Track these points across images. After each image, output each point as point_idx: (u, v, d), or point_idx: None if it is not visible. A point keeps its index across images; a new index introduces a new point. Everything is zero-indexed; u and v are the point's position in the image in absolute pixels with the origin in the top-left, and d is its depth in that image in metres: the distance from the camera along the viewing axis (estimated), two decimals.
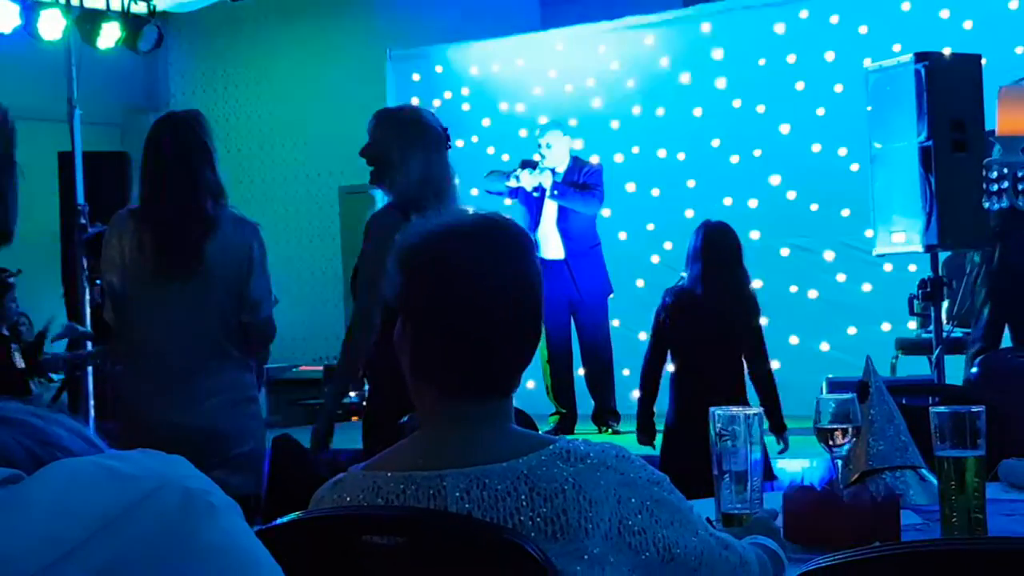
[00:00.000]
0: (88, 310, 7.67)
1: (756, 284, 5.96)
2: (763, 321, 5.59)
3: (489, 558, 1.56)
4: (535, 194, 7.77)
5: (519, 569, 1.53)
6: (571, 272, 7.71)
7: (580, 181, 7.74)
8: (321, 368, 9.88)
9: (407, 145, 3.98)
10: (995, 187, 2.53)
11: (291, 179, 11.79)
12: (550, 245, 7.77)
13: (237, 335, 3.78)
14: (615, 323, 8.29)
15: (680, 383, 5.44)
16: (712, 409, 2.47)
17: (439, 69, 10.23)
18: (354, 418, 8.78)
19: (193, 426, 3.66)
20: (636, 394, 6.99)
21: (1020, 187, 2.52)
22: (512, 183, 7.90)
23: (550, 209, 7.79)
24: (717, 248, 5.40)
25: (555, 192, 7.71)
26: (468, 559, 1.58)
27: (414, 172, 3.94)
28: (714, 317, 5.34)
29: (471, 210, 1.76)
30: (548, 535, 1.56)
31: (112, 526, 0.90)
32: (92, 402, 7.51)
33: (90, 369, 7.36)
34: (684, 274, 5.54)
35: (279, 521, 1.65)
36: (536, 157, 7.94)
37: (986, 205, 2.57)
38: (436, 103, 10.18)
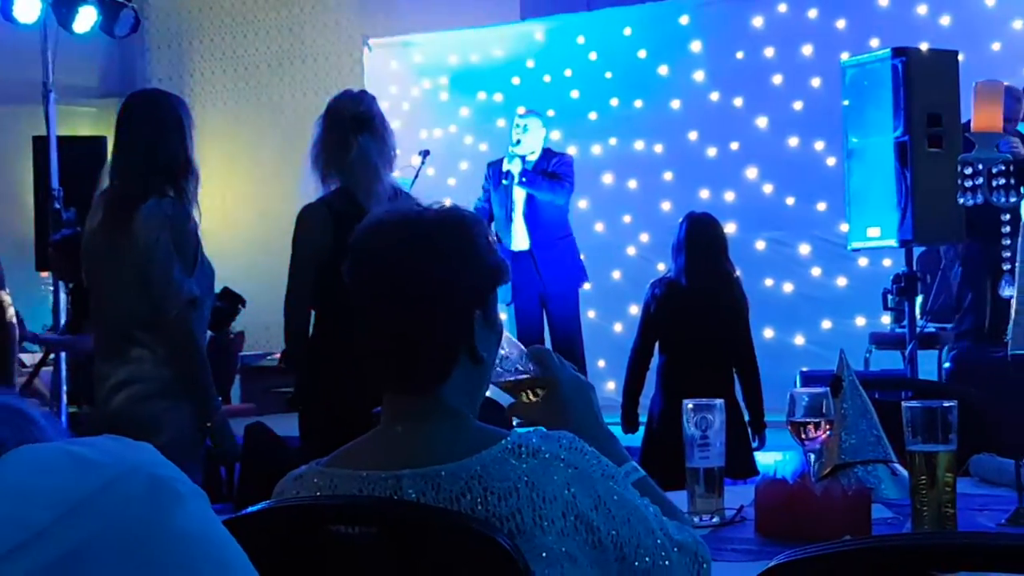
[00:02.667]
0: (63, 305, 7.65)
1: None
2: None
3: (457, 548, 1.56)
4: (504, 181, 7.72)
5: (487, 558, 1.53)
6: (535, 263, 7.68)
7: (549, 171, 7.71)
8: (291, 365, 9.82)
9: (333, 134, 4.13)
10: (970, 183, 2.53)
11: (268, 170, 11.74)
12: (517, 236, 7.75)
13: (153, 326, 3.63)
14: (591, 314, 8.29)
15: (666, 374, 5.45)
16: (687, 401, 2.48)
17: (417, 58, 10.21)
18: None
19: (101, 416, 3.67)
20: (611, 385, 7.00)
21: (994, 183, 2.53)
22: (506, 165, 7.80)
23: (518, 199, 7.75)
24: (701, 239, 5.41)
25: (523, 179, 7.66)
26: (436, 550, 1.57)
27: (345, 159, 4.07)
28: (700, 307, 5.35)
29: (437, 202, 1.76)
30: (504, 533, 1.55)
31: (77, 511, 0.89)
32: (65, 387, 7.47)
33: (63, 355, 7.32)
34: (662, 266, 5.56)
35: (248, 510, 1.64)
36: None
37: (961, 201, 2.58)
38: (414, 92, 10.16)
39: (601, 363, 8.26)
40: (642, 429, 5.60)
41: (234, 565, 0.98)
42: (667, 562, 1.66)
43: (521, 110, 8.10)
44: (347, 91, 4.39)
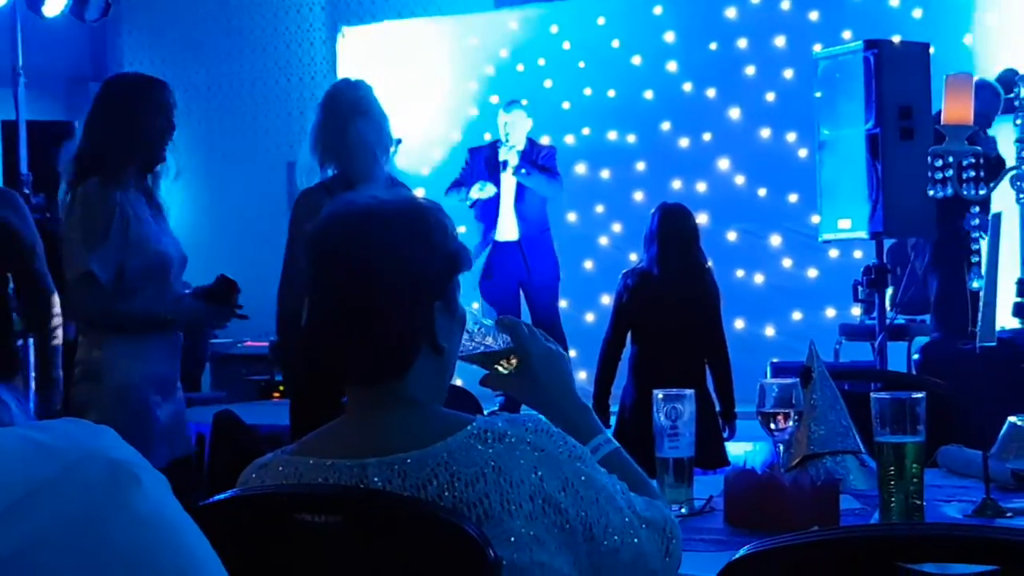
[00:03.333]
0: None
1: None
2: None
3: (424, 537, 1.55)
4: (504, 171, 7.67)
5: (454, 546, 1.52)
6: (524, 254, 7.68)
7: (539, 163, 7.71)
8: (267, 344, 9.80)
9: (321, 119, 4.13)
10: (939, 175, 2.54)
11: (238, 154, 11.69)
12: (505, 226, 7.73)
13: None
14: (563, 304, 8.30)
15: (638, 365, 5.46)
16: (657, 392, 2.48)
17: (391, 46, 10.17)
18: (275, 395, 8.73)
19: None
20: (583, 375, 6.99)
21: (964, 175, 2.54)
22: (475, 194, 7.78)
23: (507, 189, 7.73)
24: (673, 229, 5.41)
25: (523, 171, 7.63)
26: (403, 538, 1.57)
27: (336, 144, 4.06)
28: (672, 297, 5.37)
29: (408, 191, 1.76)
30: (473, 519, 1.55)
31: (35, 497, 0.89)
32: (32, 373, 7.42)
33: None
34: (634, 256, 5.57)
35: (213, 499, 1.64)
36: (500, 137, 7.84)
37: (931, 193, 2.59)
38: (387, 79, 10.12)
39: (573, 352, 8.25)
40: (614, 419, 5.61)
41: (194, 549, 0.97)
42: (636, 539, 1.67)
43: (503, 109, 8.02)
44: (345, 79, 4.46)
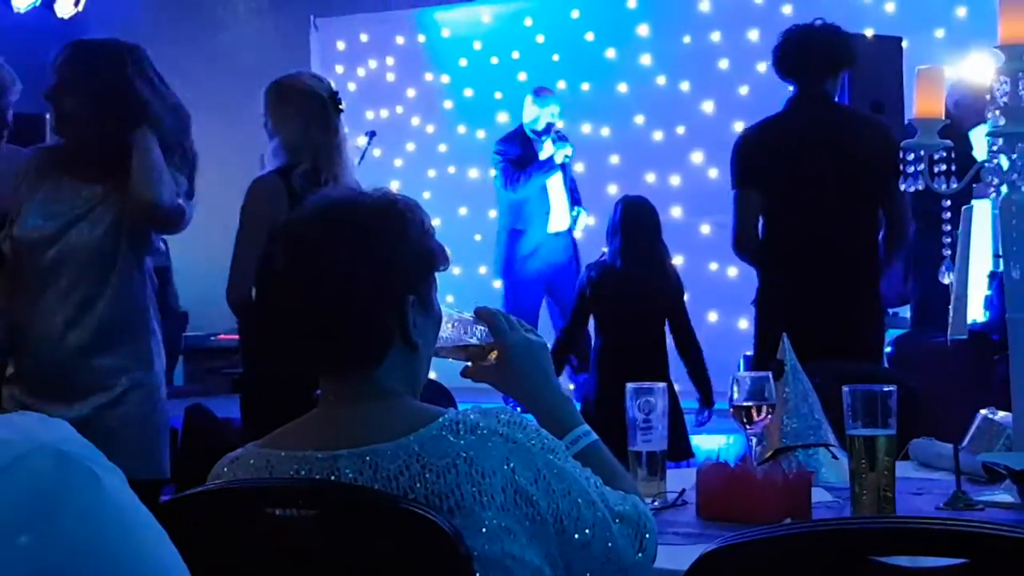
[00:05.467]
0: None
1: (676, 260, 6.02)
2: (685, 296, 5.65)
3: (396, 530, 1.55)
4: (556, 168, 7.57)
5: (426, 540, 1.52)
6: (575, 245, 7.66)
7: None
8: (238, 338, 9.76)
9: (285, 111, 4.05)
10: (911, 169, 2.55)
11: (208, 148, 11.63)
12: (557, 218, 7.65)
13: None
14: None
15: (602, 358, 5.48)
16: (630, 385, 2.48)
17: (364, 38, 10.15)
18: None
19: None
20: None
21: (936, 169, 2.55)
22: (559, 156, 7.58)
23: (557, 181, 7.64)
24: (635, 222, 5.45)
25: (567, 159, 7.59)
26: (375, 532, 1.57)
27: (296, 137, 3.94)
28: (635, 290, 5.39)
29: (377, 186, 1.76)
30: (444, 510, 1.56)
31: None
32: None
33: None
34: (605, 249, 5.58)
35: (184, 493, 1.63)
36: (558, 124, 7.68)
37: (902, 187, 2.60)
38: (360, 72, 10.10)
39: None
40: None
41: (151, 543, 0.97)
42: (608, 533, 1.67)
43: (540, 100, 7.75)
44: (304, 71, 4.35)
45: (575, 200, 7.78)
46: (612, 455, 1.88)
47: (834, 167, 4.28)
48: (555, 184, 7.65)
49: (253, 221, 3.90)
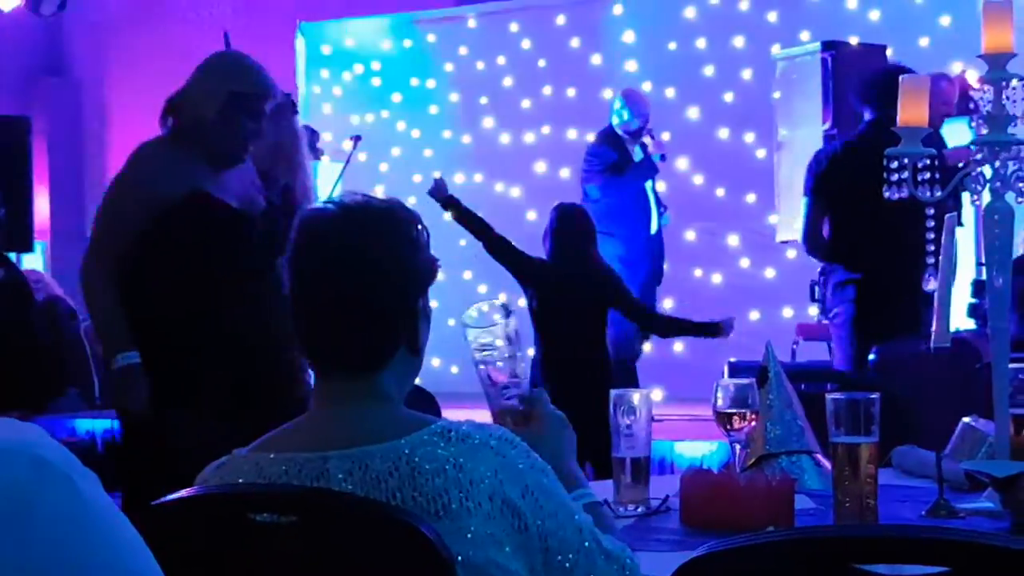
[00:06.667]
0: None
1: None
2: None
3: (379, 537, 1.55)
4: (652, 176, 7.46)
5: (410, 547, 1.52)
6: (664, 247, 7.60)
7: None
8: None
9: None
10: (895, 177, 2.55)
11: None
12: (654, 217, 7.56)
13: None
14: (520, 303, 8.29)
15: (544, 362, 5.57)
16: (614, 392, 2.48)
17: (350, 42, 10.14)
18: None
19: None
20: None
21: (920, 177, 2.55)
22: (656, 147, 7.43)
23: (649, 185, 7.53)
24: (568, 226, 5.62)
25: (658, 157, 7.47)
26: (358, 538, 1.56)
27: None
28: (568, 292, 5.50)
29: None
30: (431, 514, 1.56)
31: None
32: None
33: None
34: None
35: (168, 498, 1.62)
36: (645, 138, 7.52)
37: (886, 195, 2.60)
38: (346, 76, 10.10)
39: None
40: None
41: (126, 547, 0.96)
42: (592, 564, 1.66)
43: (630, 100, 7.64)
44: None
45: (659, 202, 7.64)
46: (610, 516, 1.91)
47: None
48: (649, 189, 7.51)
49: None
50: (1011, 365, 2.57)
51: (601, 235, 7.44)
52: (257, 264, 3.55)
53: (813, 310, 7.59)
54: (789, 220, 6.61)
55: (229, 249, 3.60)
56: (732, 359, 7.06)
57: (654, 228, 7.49)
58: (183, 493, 1.63)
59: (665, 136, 8.91)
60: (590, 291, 5.58)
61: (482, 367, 1.94)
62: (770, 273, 8.72)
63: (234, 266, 3.59)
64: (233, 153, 3.63)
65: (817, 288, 6.92)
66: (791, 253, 8.38)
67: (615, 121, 7.53)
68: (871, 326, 4.97)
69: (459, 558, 1.55)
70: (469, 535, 1.57)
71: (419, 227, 1.77)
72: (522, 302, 5.65)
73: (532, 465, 1.66)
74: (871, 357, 4.69)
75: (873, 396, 2.21)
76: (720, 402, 2.42)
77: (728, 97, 8.88)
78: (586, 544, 1.66)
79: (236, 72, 3.67)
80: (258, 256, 3.57)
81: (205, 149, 3.59)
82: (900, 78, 2.64)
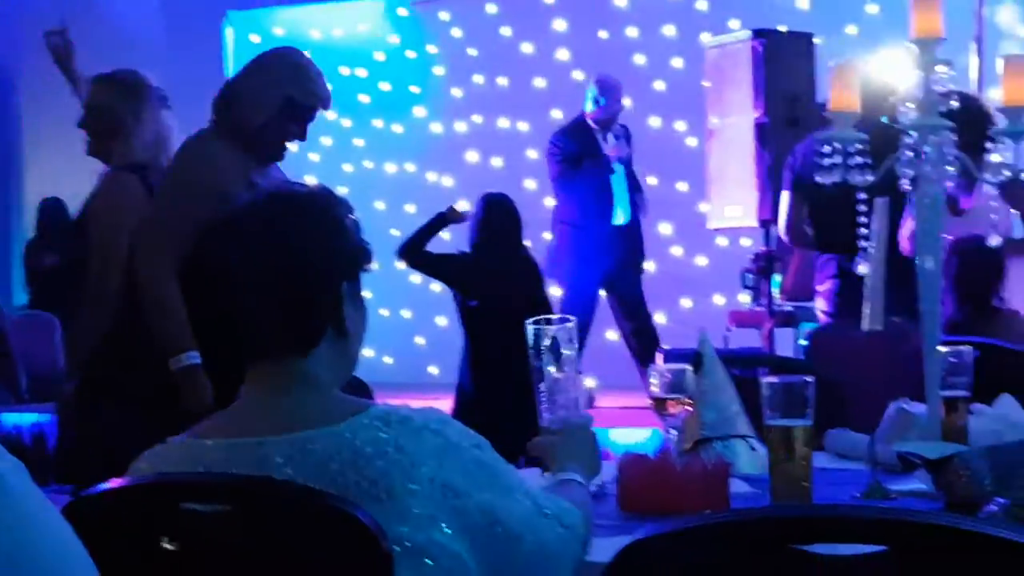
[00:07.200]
0: None
1: None
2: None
3: (316, 525, 1.54)
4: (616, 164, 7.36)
5: (347, 535, 1.51)
6: (636, 237, 7.50)
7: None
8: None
9: (140, 108, 3.91)
10: (827, 161, 2.57)
11: None
12: (620, 210, 7.45)
13: None
14: (435, 287, 8.26)
15: (470, 351, 5.58)
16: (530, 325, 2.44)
17: (279, 31, 10.06)
18: None
19: None
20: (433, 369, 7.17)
21: (851, 162, 2.57)
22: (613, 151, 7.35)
23: (619, 172, 7.42)
24: (495, 217, 5.69)
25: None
26: (294, 527, 1.55)
27: (149, 134, 3.86)
28: (496, 285, 5.52)
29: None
30: (373, 497, 1.57)
31: None
32: None
33: None
34: (528, 243, 5.71)
35: (98, 488, 1.60)
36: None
37: (818, 179, 2.62)
38: None
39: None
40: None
41: (54, 539, 0.95)
42: (535, 527, 1.68)
43: (604, 88, 7.56)
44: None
45: (634, 189, 7.53)
46: (586, 496, 1.92)
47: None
48: (618, 178, 7.41)
49: (122, 218, 3.76)
50: (942, 348, 2.61)
51: (563, 225, 7.46)
52: None
53: (744, 297, 7.65)
54: (720, 208, 6.64)
55: None
56: (666, 346, 7.10)
57: (620, 219, 7.38)
58: (114, 483, 1.60)
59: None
60: (518, 283, 5.58)
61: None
62: (702, 261, 8.77)
63: None
64: (273, 154, 3.57)
65: (748, 275, 6.99)
66: (722, 241, 8.44)
67: (588, 108, 7.46)
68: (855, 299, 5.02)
69: (401, 540, 1.56)
70: (412, 517, 1.57)
71: (347, 213, 1.78)
72: None
73: (471, 442, 1.68)
74: (803, 342, 4.74)
75: (808, 380, 2.23)
76: (655, 388, 2.43)
77: (659, 85, 8.91)
78: (526, 509, 1.68)
79: (296, 78, 3.57)
80: None
81: (247, 146, 3.51)
82: (830, 63, 2.66)
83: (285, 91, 3.52)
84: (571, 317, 2.44)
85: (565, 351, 2.15)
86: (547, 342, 2.33)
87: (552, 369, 2.32)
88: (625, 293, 7.40)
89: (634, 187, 7.51)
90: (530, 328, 2.31)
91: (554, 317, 2.42)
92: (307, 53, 3.74)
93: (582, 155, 7.28)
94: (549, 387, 2.31)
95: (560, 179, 7.35)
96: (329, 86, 3.67)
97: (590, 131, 7.40)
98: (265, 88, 3.53)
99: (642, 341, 7.23)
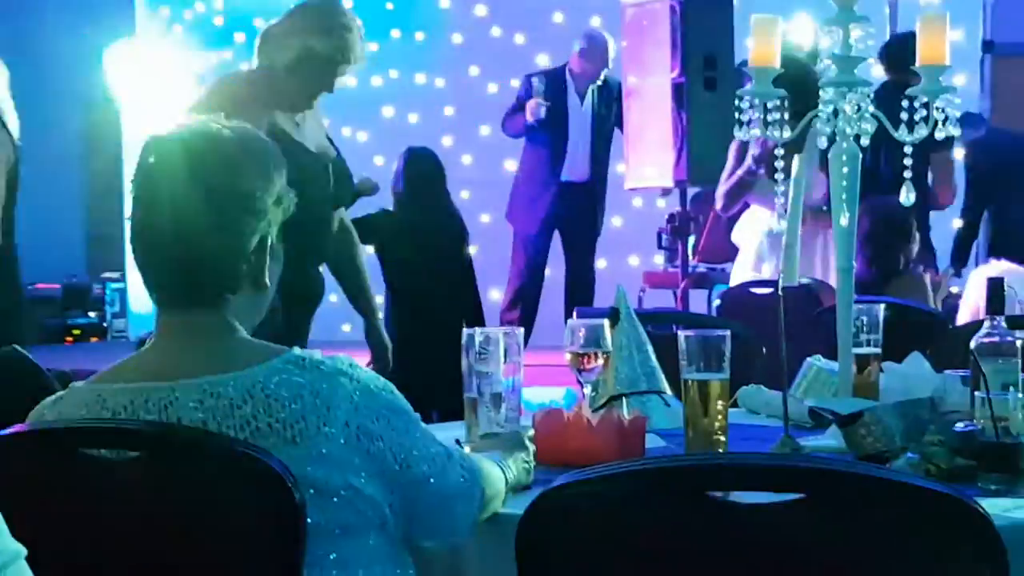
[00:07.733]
0: None
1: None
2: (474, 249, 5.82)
3: (222, 469, 1.51)
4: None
5: (256, 481, 1.49)
6: (595, 198, 7.47)
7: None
8: (59, 286, 9.50)
9: None
10: (746, 117, 2.57)
11: (35, 96, 11.21)
12: (577, 165, 7.37)
13: None
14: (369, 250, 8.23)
15: (394, 306, 5.56)
16: (466, 331, 2.45)
17: None
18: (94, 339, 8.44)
19: None
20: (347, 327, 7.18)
21: (769, 118, 2.57)
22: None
23: (586, 123, 7.34)
24: (419, 172, 5.69)
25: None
26: (200, 473, 1.52)
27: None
28: (419, 237, 5.50)
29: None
30: (287, 439, 1.55)
31: None
32: None
33: None
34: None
35: None
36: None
37: (737, 135, 2.62)
38: (187, 15, 9.85)
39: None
40: None
41: None
42: (446, 472, 1.70)
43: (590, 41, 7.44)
44: None
45: (605, 147, 7.45)
46: (498, 470, 1.89)
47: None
48: (577, 132, 7.33)
49: None
50: (855, 306, 2.63)
51: (520, 176, 7.45)
52: (327, 213, 3.51)
53: (659, 258, 7.68)
54: (638, 168, 6.64)
55: (306, 194, 3.46)
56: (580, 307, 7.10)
57: (567, 176, 7.35)
58: (11, 429, 1.56)
59: (515, 82, 8.91)
60: (443, 237, 5.55)
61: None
62: (617, 222, 8.77)
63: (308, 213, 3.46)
64: (296, 103, 3.51)
65: (663, 236, 7.01)
66: (638, 201, 8.45)
67: (571, 62, 7.45)
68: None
69: (317, 483, 1.55)
70: (326, 460, 1.57)
71: (278, 161, 1.72)
72: None
73: (383, 387, 1.67)
74: (716, 303, 4.76)
75: (724, 333, 2.23)
76: (571, 343, 2.42)
77: (577, 45, 8.88)
78: (437, 452, 1.69)
79: (322, 28, 3.50)
80: (328, 205, 3.53)
81: (272, 91, 3.46)
82: (751, 17, 2.65)
83: (307, 40, 3.47)
84: (520, 329, 2.47)
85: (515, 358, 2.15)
86: (494, 348, 2.35)
87: (493, 374, 2.35)
88: (575, 246, 7.46)
89: (602, 146, 7.47)
90: (477, 334, 2.33)
91: (506, 329, 2.44)
92: (349, 8, 3.63)
93: (520, 106, 7.31)
94: (491, 395, 2.34)
95: (504, 126, 7.46)
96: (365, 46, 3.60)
97: (563, 82, 7.38)
98: (289, 34, 3.51)
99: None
